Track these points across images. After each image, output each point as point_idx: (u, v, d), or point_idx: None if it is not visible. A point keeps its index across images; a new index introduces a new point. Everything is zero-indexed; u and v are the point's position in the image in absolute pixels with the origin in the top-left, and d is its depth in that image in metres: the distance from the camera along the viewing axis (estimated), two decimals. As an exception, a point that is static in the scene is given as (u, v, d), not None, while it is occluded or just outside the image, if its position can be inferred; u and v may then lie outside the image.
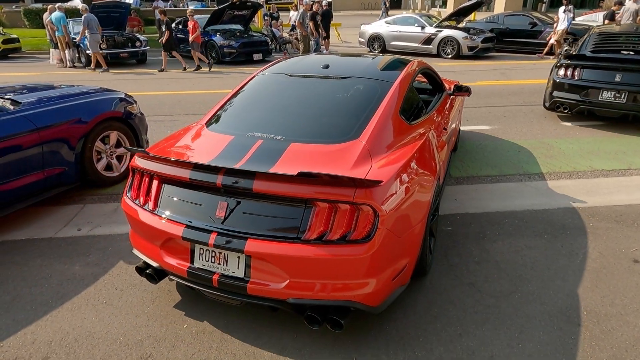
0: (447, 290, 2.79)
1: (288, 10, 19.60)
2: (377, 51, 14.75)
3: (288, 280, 2.14)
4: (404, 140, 2.76)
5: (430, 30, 13.65)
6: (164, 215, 2.37)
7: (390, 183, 2.20)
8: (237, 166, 2.31)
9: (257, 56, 12.76)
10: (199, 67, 11.69)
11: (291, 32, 15.93)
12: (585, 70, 6.20)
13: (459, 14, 14.16)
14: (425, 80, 4.37)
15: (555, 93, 6.48)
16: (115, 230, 3.62)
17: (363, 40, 15.30)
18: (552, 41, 12.72)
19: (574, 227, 3.55)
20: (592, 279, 2.88)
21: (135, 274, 3.00)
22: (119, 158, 4.59)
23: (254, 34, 13.77)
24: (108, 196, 4.28)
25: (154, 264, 2.48)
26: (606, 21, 12.47)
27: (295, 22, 12.54)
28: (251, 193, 2.16)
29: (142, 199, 2.50)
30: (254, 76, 3.55)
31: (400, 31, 14.25)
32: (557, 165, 4.86)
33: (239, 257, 2.19)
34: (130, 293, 2.81)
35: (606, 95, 5.99)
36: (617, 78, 5.94)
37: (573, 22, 13.42)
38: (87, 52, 12.14)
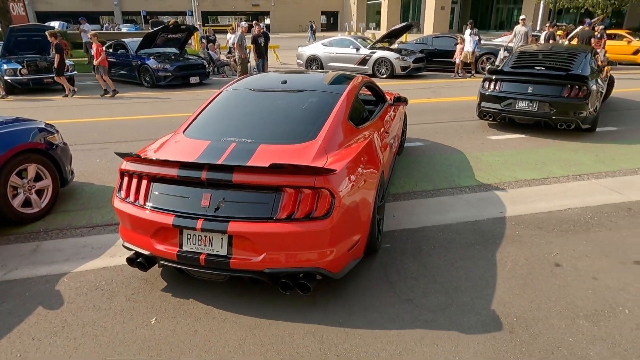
0: (387, 309, 2.81)
1: (225, 32, 19.53)
2: (315, 72, 15.02)
3: (264, 254, 2.58)
4: (352, 140, 3.33)
5: (365, 51, 14.17)
6: (154, 209, 2.74)
7: (343, 172, 2.73)
8: (218, 162, 2.77)
9: (194, 79, 12.53)
10: (106, 92, 11.14)
11: (229, 55, 15.87)
12: (504, 83, 7.08)
13: (391, 36, 14.85)
14: (369, 92, 5.08)
15: (483, 104, 7.29)
16: (34, 272, 3.31)
17: (301, 61, 15.56)
18: (457, 61, 13.64)
19: (502, 236, 3.75)
20: (520, 285, 3.03)
21: (56, 320, 2.74)
22: (39, 192, 4.24)
23: (190, 57, 13.54)
24: (27, 235, 3.92)
25: (146, 253, 2.82)
26: (551, 41, 13.73)
27: (233, 44, 12.48)
28: (231, 184, 2.61)
29: (132, 197, 2.85)
30: (221, 92, 3.99)
31: (336, 53, 14.66)
32: (485, 178, 5.15)
33: (222, 238, 2.61)
34: (50, 342, 2.56)
35: (521, 105, 6.84)
36: (530, 90, 6.80)
37: (491, 42, 14.52)
38: (5, 78, 11.30)
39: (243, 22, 13.01)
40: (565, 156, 5.92)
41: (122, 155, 2.83)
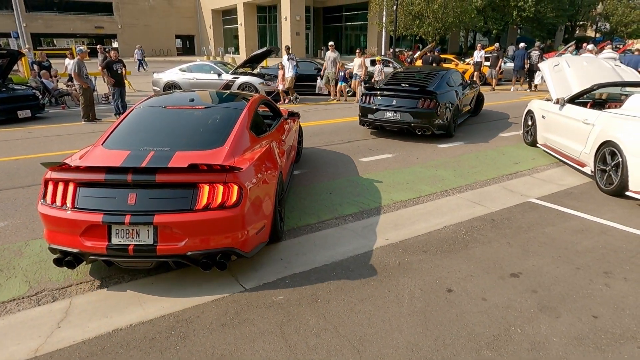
0: (292, 383, 2.40)
1: (64, 57, 17.08)
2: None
3: (187, 239, 3.04)
4: (254, 147, 3.94)
5: (227, 77, 13.71)
6: (83, 210, 3.05)
7: (248, 170, 3.33)
8: (142, 166, 3.22)
9: (24, 113, 10.46)
10: None
11: (69, 83, 13.84)
12: (375, 97, 8.48)
13: (252, 61, 14.69)
14: (267, 109, 5.78)
15: (361, 114, 8.69)
16: None
17: (158, 88, 14.37)
18: (280, 88, 13.45)
19: (393, 266, 3.67)
20: (422, 322, 2.92)
21: None
22: None
23: (17, 87, 11.35)
24: None
25: (74, 251, 3.09)
26: (439, 64, 15.18)
27: (71, 72, 10.82)
28: (154, 183, 3.04)
29: (60, 202, 3.12)
30: (132, 110, 4.37)
31: (196, 79, 13.90)
32: (365, 203, 5.14)
33: (148, 229, 3.01)
34: None
35: (388, 115, 8.28)
36: (394, 102, 8.24)
37: (348, 66, 15.40)
38: None
39: (80, 47, 11.38)
40: (429, 173, 6.33)
41: (47, 164, 3.12)
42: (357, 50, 14.40)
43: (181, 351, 2.65)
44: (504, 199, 5.27)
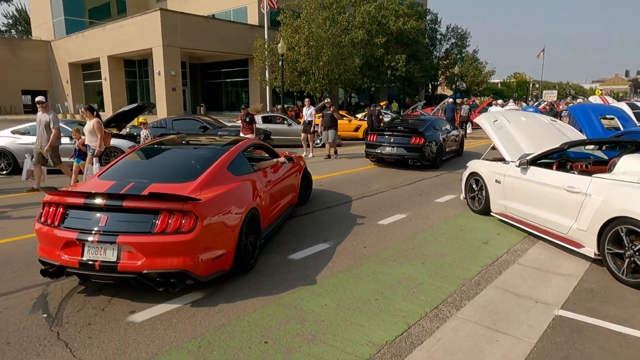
0: None
1: None
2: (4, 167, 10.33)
3: (144, 259, 3.50)
4: (229, 184, 4.38)
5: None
6: (64, 228, 3.66)
7: (208, 201, 3.81)
8: (119, 193, 3.82)
9: None
10: None
11: None
12: (377, 136, 11.13)
13: (120, 120, 11.80)
14: (264, 152, 6.54)
15: (367, 150, 11.32)
16: None
17: (-21, 157, 10.47)
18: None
19: None
20: None
21: None
22: None
23: None
24: None
25: (56, 264, 3.64)
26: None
27: None
28: (122, 208, 3.59)
29: (50, 221, 3.73)
30: (135, 148, 5.22)
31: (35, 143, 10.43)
32: (331, 355, 2.96)
33: (113, 248, 3.52)
34: None
35: (387, 149, 10.84)
36: (392, 140, 10.82)
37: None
38: None
39: None
40: (394, 273, 4.43)
41: (46, 189, 3.79)
42: (83, 109, 8.65)
43: None
44: (522, 314, 3.59)
